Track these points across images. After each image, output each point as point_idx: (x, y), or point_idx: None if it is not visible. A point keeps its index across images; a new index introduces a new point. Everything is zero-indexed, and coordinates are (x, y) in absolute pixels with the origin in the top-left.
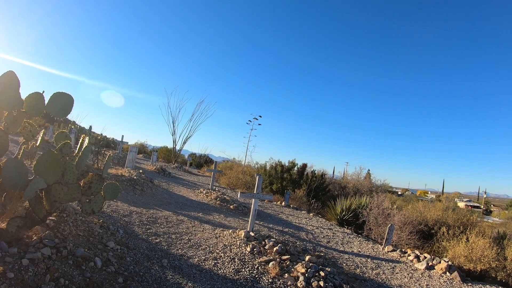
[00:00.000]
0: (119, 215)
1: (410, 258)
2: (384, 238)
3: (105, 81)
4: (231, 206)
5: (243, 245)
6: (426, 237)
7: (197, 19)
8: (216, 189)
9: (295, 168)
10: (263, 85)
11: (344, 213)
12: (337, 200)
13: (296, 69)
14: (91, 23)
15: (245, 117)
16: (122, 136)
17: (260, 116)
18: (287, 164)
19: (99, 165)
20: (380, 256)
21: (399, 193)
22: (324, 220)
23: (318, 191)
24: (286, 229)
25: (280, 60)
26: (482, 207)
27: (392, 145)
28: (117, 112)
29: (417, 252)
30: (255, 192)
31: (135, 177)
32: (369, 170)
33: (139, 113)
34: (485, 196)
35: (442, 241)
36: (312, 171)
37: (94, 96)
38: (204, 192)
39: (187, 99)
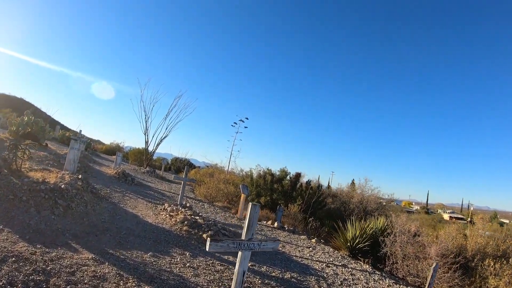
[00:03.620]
0: None
1: None
2: (416, 274)
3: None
4: (205, 235)
5: None
6: (464, 271)
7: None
8: (188, 204)
9: (287, 178)
10: (250, 86)
11: (357, 240)
12: (347, 222)
13: (283, 71)
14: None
15: (231, 118)
16: (80, 130)
17: (247, 118)
18: (277, 172)
19: (21, 164)
20: None
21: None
22: (331, 249)
23: (316, 207)
24: (288, 274)
25: (268, 59)
26: (467, 219)
27: (377, 155)
28: (94, 110)
29: None
30: (243, 237)
31: (62, 186)
32: (353, 180)
33: (115, 110)
34: (472, 208)
35: (487, 277)
36: (307, 182)
37: (65, 87)
38: (169, 209)
39: (162, 92)
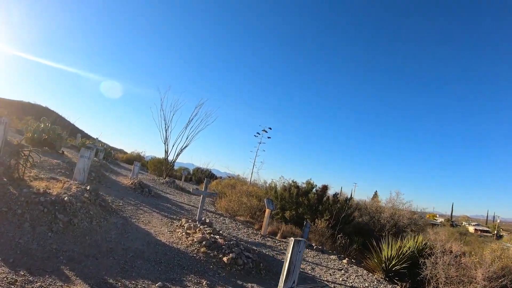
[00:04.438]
0: None
1: None
2: None
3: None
4: (225, 259)
5: None
6: None
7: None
8: (207, 220)
9: (313, 191)
10: (272, 95)
11: (393, 261)
12: (381, 240)
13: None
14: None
15: (254, 129)
16: (97, 138)
17: (270, 128)
18: (303, 185)
19: (23, 172)
20: None
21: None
22: (365, 272)
23: (344, 222)
24: None
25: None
26: (493, 231)
27: (398, 166)
28: (115, 118)
29: None
30: (282, 285)
31: (66, 198)
32: (376, 191)
33: (136, 119)
34: (498, 220)
35: None
36: (334, 195)
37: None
38: (186, 226)
39: (183, 100)
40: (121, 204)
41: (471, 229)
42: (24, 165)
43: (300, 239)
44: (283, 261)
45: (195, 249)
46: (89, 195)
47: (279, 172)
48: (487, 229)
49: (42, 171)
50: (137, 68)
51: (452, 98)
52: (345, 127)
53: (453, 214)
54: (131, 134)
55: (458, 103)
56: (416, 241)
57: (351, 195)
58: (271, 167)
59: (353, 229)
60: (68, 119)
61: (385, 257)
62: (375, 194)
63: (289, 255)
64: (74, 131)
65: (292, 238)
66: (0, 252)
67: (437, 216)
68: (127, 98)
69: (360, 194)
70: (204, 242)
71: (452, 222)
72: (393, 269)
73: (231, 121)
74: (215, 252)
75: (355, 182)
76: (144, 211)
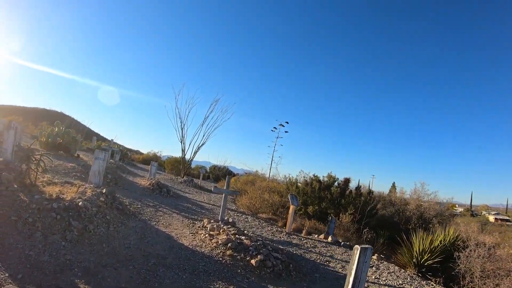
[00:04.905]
0: None
1: None
2: None
3: (118, 86)
4: (253, 261)
5: None
6: None
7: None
8: (230, 220)
9: (335, 184)
10: (291, 88)
11: (426, 256)
12: (411, 234)
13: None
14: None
15: (269, 124)
16: (112, 139)
17: (287, 122)
18: (325, 178)
19: (35, 177)
20: None
21: None
22: (396, 268)
23: (370, 216)
24: None
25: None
26: None
27: (418, 156)
28: (131, 119)
29: None
30: None
31: (80, 203)
32: (394, 183)
33: (152, 119)
34: None
35: None
36: (356, 188)
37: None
38: (209, 227)
39: (198, 97)
40: (139, 206)
41: (491, 218)
42: (36, 170)
43: (367, 246)
44: (312, 260)
45: (221, 252)
46: (105, 198)
47: (295, 166)
48: (508, 218)
49: (57, 176)
50: (152, 67)
51: (470, 86)
52: (360, 119)
53: (472, 203)
54: (147, 135)
55: (474, 91)
56: (448, 234)
57: (369, 187)
58: (288, 161)
59: (376, 222)
60: (83, 123)
61: (416, 251)
62: (393, 186)
63: (354, 268)
64: (89, 134)
65: (357, 246)
66: (8, 267)
67: (456, 206)
68: (142, 98)
69: (378, 186)
70: (229, 244)
71: (472, 211)
72: (425, 264)
73: (247, 117)
74: (242, 255)
75: (373, 174)
76: (164, 212)
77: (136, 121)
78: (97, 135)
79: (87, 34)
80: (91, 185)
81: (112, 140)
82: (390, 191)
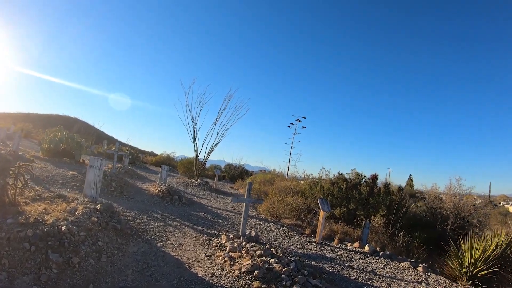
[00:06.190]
0: None
1: None
2: None
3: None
4: None
5: None
6: None
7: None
8: (253, 234)
9: (363, 182)
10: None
11: (479, 265)
12: (459, 239)
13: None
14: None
15: (285, 120)
16: (118, 143)
17: (304, 118)
18: (351, 176)
19: (14, 194)
20: None
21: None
22: (447, 281)
23: (405, 217)
24: None
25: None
26: None
27: (435, 147)
28: (145, 121)
29: None
30: None
31: (63, 228)
32: (410, 175)
33: (165, 119)
34: None
35: None
36: (385, 185)
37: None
38: (228, 246)
39: (210, 93)
40: (144, 221)
41: (511, 209)
42: (15, 185)
43: None
44: (354, 280)
45: (246, 284)
46: (99, 217)
47: (312, 162)
48: None
49: (53, 186)
50: (163, 67)
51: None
52: (375, 112)
53: (491, 194)
54: (162, 136)
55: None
56: (502, 237)
57: (386, 181)
58: (305, 157)
59: (406, 221)
60: (95, 126)
61: (468, 260)
62: (410, 178)
63: None
64: (101, 137)
65: None
66: None
67: (475, 197)
68: (154, 99)
69: (393, 179)
70: (256, 272)
71: (491, 202)
72: (479, 274)
73: (262, 113)
74: (273, 286)
75: (390, 167)
76: (174, 227)
77: (150, 123)
78: (110, 138)
79: (101, 43)
80: (86, 199)
81: (118, 143)
82: (407, 183)
